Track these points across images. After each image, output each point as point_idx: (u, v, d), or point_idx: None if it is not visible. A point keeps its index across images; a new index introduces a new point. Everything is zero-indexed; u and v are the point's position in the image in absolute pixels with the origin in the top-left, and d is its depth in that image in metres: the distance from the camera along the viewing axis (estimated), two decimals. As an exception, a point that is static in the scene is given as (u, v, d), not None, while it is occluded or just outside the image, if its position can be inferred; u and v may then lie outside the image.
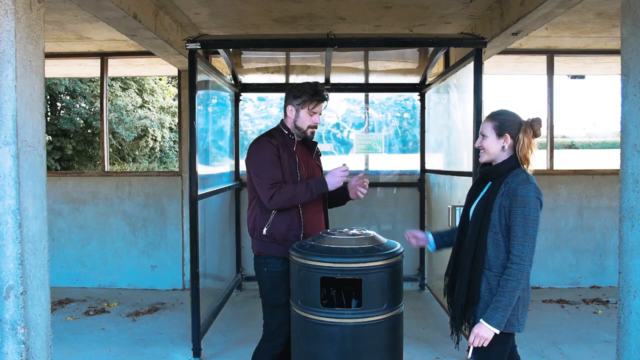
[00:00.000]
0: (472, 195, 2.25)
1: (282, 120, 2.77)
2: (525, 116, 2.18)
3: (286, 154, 2.64)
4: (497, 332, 2.02)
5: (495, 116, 2.17)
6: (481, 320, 2.04)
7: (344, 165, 2.65)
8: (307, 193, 2.56)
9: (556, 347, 3.79)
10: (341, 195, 2.82)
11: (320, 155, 2.94)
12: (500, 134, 2.13)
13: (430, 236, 2.47)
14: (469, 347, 2.08)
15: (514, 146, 2.12)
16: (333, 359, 2.23)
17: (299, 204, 2.61)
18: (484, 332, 2.02)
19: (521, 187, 2.03)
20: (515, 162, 2.12)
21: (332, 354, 2.23)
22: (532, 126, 2.12)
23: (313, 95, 2.64)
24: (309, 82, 2.70)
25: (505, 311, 2.00)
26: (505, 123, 2.13)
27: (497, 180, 2.12)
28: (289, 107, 2.69)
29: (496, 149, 2.14)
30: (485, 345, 2.03)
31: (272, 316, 2.68)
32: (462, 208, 3.43)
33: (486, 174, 2.19)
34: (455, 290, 2.21)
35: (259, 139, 2.70)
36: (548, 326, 4.27)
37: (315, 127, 2.72)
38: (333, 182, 2.60)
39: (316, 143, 2.85)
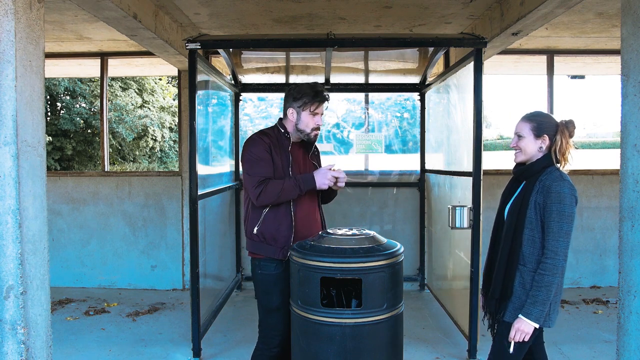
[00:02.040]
0: (506, 195, 2.32)
1: (281, 119, 2.73)
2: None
3: (280, 152, 2.62)
4: (537, 326, 2.10)
5: (532, 118, 2.24)
6: (520, 315, 2.11)
7: (334, 165, 2.62)
8: (295, 188, 2.54)
9: (556, 347, 3.79)
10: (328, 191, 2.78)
11: (318, 154, 2.91)
12: (538, 135, 2.21)
13: None
14: (510, 342, 2.14)
15: (550, 146, 2.20)
16: (333, 359, 2.23)
17: (289, 200, 2.58)
18: (524, 327, 2.10)
19: (555, 183, 2.10)
20: (548, 161, 2.19)
21: (332, 354, 2.23)
22: (567, 127, 2.20)
23: (314, 96, 2.60)
24: (307, 83, 2.67)
25: (543, 305, 2.08)
26: (543, 124, 2.21)
27: (531, 178, 2.20)
28: (290, 110, 2.65)
29: (533, 149, 2.22)
30: (526, 339, 2.11)
31: (265, 319, 2.67)
32: (462, 208, 3.49)
33: (520, 174, 2.27)
34: (491, 286, 2.28)
35: (252, 136, 2.68)
36: (548, 326, 4.27)
37: (318, 128, 2.68)
38: (320, 182, 2.58)
39: (314, 142, 2.80)
